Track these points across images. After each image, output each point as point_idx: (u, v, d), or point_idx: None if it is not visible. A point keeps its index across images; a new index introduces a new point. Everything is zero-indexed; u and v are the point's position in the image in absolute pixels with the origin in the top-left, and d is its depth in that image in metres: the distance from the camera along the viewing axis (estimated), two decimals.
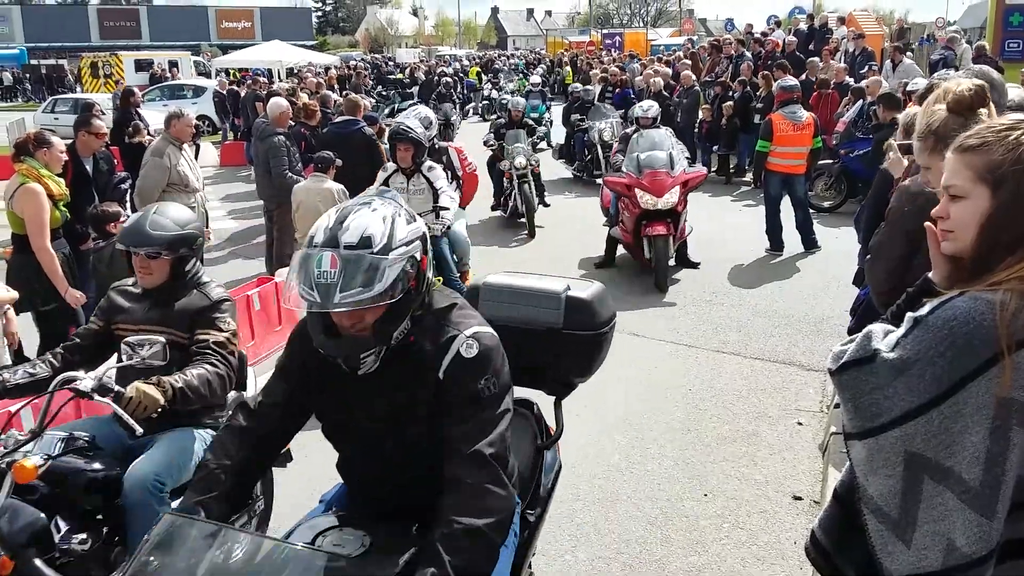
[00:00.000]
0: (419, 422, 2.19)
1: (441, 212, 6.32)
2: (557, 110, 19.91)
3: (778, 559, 3.96)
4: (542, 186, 11.66)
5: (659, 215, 8.29)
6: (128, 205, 7.09)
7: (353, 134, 8.46)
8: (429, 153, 6.75)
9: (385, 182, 6.53)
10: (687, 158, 9.07)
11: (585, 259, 9.48)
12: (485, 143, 11.88)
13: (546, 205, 11.74)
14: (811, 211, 9.97)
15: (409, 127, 6.45)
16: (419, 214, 5.93)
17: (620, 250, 9.16)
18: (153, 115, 13.72)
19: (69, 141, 6.40)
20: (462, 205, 7.52)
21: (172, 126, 7.02)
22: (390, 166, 6.67)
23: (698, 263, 9.01)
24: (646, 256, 8.43)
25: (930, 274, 1.78)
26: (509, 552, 2.41)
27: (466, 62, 41.38)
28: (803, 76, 13.65)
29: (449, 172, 7.20)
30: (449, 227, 6.39)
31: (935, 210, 1.72)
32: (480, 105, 27.45)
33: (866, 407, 1.61)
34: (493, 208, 11.77)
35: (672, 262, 8.73)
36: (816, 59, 15.16)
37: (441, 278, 6.56)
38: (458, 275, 6.70)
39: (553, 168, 15.12)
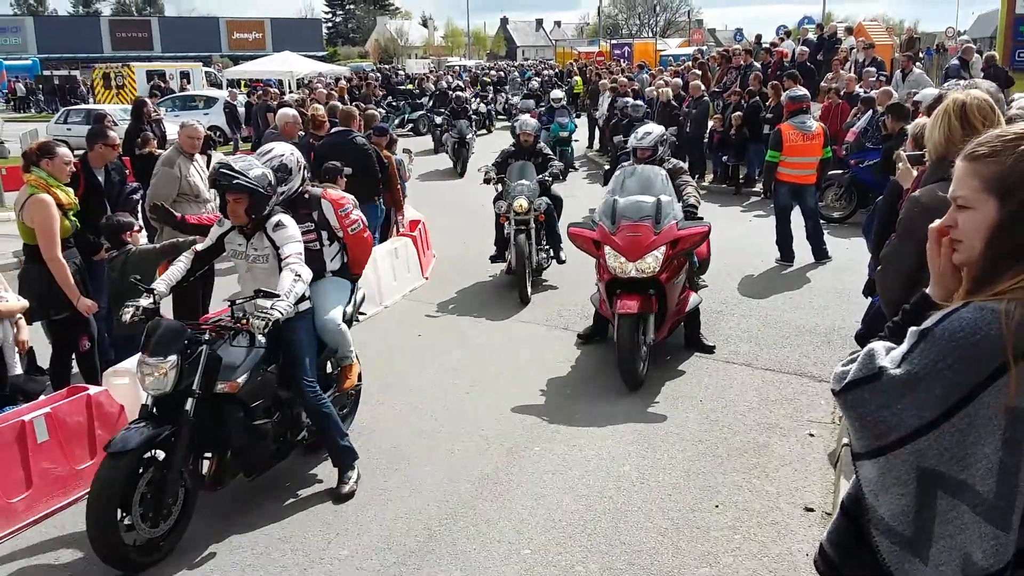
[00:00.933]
0: None
1: (272, 300, 4.20)
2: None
3: (790, 571, 3.94)
4: (557, 236, 8.96)
5: (635, 285, 6.15)
6: (140, 215, 7.11)
7: (346, 144, 8.51)
8: (296, 204, 4.93)
9: (219, 240, 4.73)
10: (691, 207, 6.80)
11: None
12: (485, 178, 9.06)
13: (561, 261, 9.06)
14: (821, 221, 9.94)
15: (236, 171, 4.37)
16: (238, 300, 4.67)
17: None
18: (170, 126, 13.81)
19: (81, 152, 6.44)
20: (352, 275, 5.34)
21: (178, 136, 7.11)
22: (227, 221, 4.64)
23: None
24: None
25: (928, 289, 1.77)
26: None
27: (475, 70, 40.74)
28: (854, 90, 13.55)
29: (325, 232, 5.08)
30: (277, 320, 4.19)
31: (942, 220, 1.69)
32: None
33: (874, 425, 1.60)
34: (492, 260, 9.26)
35: (682, 342, 6.99)
36: (865, 80, 14.72)
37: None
38: (313, 378, 4.68)
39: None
